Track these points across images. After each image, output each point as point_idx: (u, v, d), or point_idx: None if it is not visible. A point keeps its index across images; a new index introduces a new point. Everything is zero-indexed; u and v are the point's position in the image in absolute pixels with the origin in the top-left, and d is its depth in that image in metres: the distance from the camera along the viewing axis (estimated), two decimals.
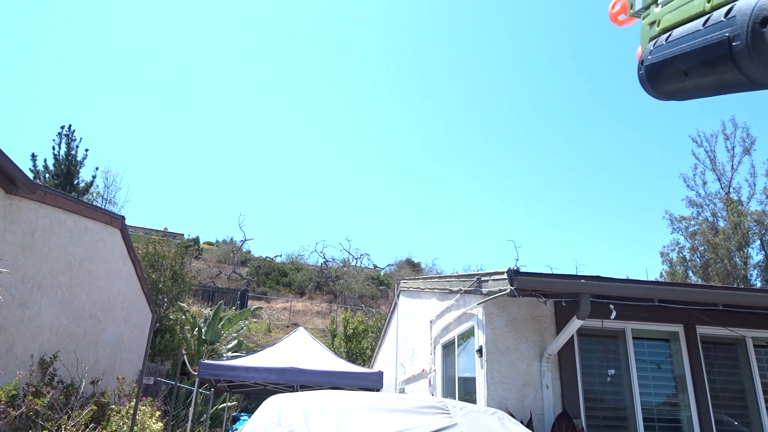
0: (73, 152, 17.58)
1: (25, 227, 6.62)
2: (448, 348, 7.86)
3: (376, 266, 41.10)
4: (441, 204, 63.88)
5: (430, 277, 9.82)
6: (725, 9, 0.42)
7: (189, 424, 9.42)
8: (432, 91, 69.32)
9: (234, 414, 15.53)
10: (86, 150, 17.90)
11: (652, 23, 0.52)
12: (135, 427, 7.26)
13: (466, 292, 6.90)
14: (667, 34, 0.49)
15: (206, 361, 8.77)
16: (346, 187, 66.28)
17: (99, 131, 54.17)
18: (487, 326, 6.15)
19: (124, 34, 58.98)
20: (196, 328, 16.34)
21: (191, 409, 9.65)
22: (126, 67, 59.61)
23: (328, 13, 64.44)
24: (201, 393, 11.77)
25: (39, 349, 7.18)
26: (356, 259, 39.68)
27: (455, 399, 6.75)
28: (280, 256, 40.18)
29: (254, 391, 12.02)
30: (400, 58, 67.64)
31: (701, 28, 0.44)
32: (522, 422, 5.42)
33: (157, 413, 8.89)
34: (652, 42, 0.51)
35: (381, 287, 36.55)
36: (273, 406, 2.82)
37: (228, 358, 14.06)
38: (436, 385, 8.12)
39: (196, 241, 39.29)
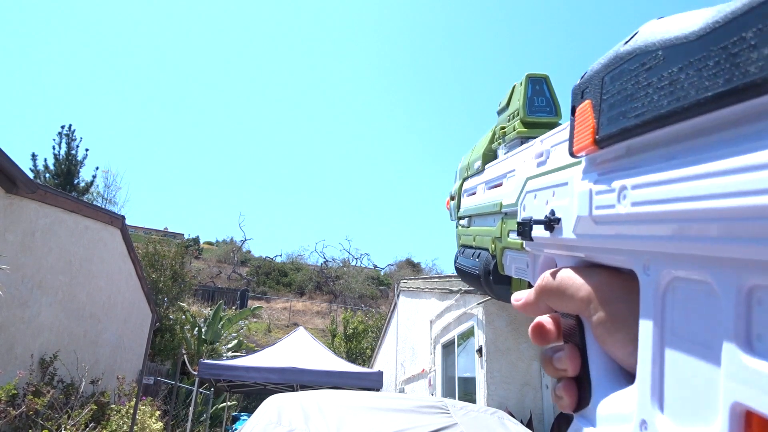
0: (73, 152, 17.57)
1: (26, 227, 6.62)
2: (448, 348, 7.86)
3: (376, 266, 41.07)
4: (441, 204, 63.89)
5: (430, 277, 9.82)
6: (477, 252, 0.56)
7: (189, 424, 9.41)
8: (432, 91, 69.35)
9: (234, 414, 15.52)
10: (86, 150, 17.89)
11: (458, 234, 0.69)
12: (135, 427, 7.27)
13: (466, 292, 6.91)
14: (463, 249, 0.65)
15: (206, 360, 8.78)
16: (346, 186, 66.34)
17: (99, 131, 54.26)
18: (487, 326, 6.15)
19: (124, 35, 59.04)
20: (196, 328, 16.33)
21: (191, 409, 9.64)
22: (126, 67, 59.67)
23: (329, 14, 64.48)
24: (201, 393, 11.76)
25: (39, 349, 7.18)
26: (356, 259, 39.67)
27: (455, 399, 6.75)
28: (280, 256, 40.19)
29: (254, 391, 12.01)
30: (400, 58, 67.69)
31: (470, 258, 0.59)
32: (522, 422, 5.42)
33: (157, 413, 8.90)
34: (459, 249, 0.67)
35: (381, 287, 36.53)
36: (273, 405, 2.82)
37: (228, 358, 14.06)
38: (436, 385, 8.12)
39: (196, 241, 39.25)
